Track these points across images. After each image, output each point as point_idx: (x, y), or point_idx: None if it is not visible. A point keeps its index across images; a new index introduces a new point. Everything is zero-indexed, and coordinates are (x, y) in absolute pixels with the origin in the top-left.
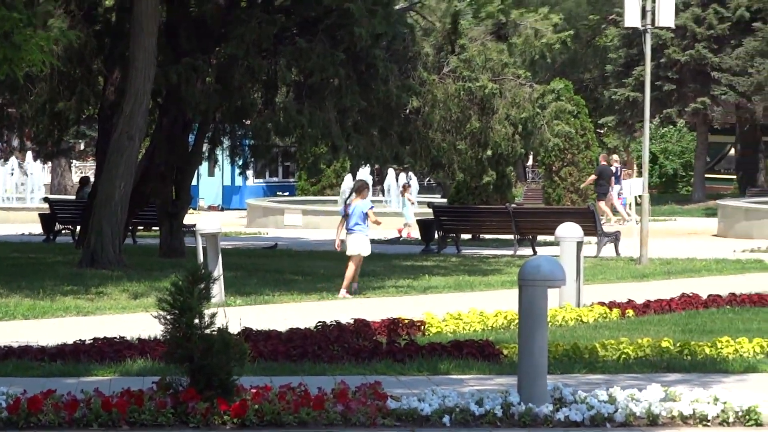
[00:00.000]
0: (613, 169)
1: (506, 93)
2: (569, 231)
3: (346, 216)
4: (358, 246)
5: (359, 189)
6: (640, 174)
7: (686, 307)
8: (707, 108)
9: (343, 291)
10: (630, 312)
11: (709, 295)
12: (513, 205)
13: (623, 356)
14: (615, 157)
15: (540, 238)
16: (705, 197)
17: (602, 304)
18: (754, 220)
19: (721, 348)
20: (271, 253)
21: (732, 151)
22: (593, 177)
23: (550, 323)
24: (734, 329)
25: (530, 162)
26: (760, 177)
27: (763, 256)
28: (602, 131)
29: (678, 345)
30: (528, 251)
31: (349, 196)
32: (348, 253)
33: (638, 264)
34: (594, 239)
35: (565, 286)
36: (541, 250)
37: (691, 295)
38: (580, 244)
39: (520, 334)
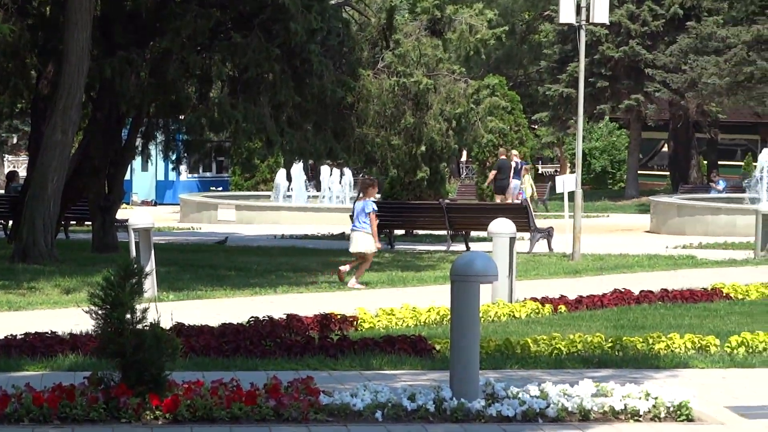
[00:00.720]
0: (513, 163)
1: (441, 88)
2: (502, 227)
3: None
4: (360, 245)
5: (364, 188)
6: (573, 170)
7: (618, 303)
8: (641, 105)
9: (353, 280)
10: (562, 308)
11: (642, 291)
12: (446, 201)
13: (555, 352)
14: (514, 152)
15: (473, 233)
16: (638, 193)
17: (535, 299)
18: (687, 216)
19: (653, 343)
20: (204, 248)
21: (665, 148)
22: (494, 172)
23: (483, 319)
24: (666, 325)
25: (464, 158)
26: (693, 174)
27: (695, 252)
28: (536, 127)
29: (610, 340)
30: (461, 247)
31: (358, 195)
32: (351, 250)
33: (571, 260)
34: (527, 235)
35: (497, 282)
36: (475, 246)
37: (623, 291)
38: (513, 240)
39: (452, 330)
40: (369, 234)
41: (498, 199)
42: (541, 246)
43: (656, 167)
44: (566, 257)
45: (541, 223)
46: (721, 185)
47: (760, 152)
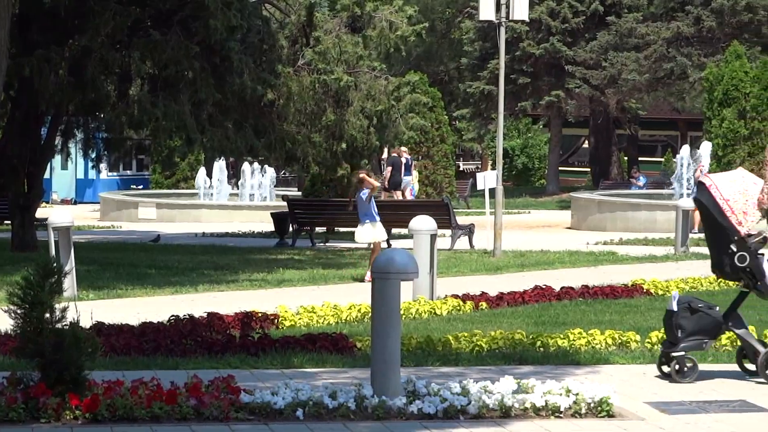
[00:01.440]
0: (403, 160)
1: (361, 85)
2: (423, 224)
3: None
4: (367, 235)
5: (359, 182)
6: (494, 167)
7: (539, 300)
8: (561, 101)
9: (368, 275)
10: (484, 304)
11: (562, 288)
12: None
13: (477, 348)
14: (404, 149)
15: (394, 230)
16: (559, 190)
17: (456, 296)
18: (607, 212)
19: (574, 340)
20: (124, 247)
21: (585, 144)
22: (389, 169)
23: (404, 316)
24: (587, 321)
25: (385, 155)
26: (613, 170)
27: (615, 248)
28: (457, 123)
29: (531, 337)
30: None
31: (354, 191)
32: (365, 241)
33: (492, 256)
34: (448, 232)
35: (418, 279)
36: (396, 243)
37: (544, 287)
38: (434, 237)
39: (373, 327)
40: (371, 223)
41: (395, 195)
42: (462, 243)
43: (577, 163)
44: (487, 254)
45: (462, 219)
46: (642, 181)
47: (680, 148)
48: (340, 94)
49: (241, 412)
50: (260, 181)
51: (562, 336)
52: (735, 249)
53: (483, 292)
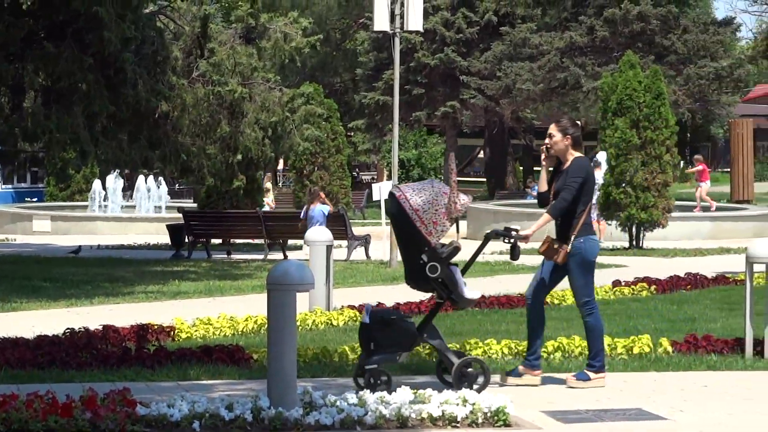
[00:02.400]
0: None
1: (256, 97)
2: (319, 235)
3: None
4: None
5: (314, 197)
6: (390, 177)
7: (447, 310)
8: (456, 111)
9: None
10: None
11: None
12: (264, 210)
13: None
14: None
15: (291, 242)
16: None
17: (352, 307)
18: (503, 222)
19: (470, 349)
20: (18, 260)
21: (481, 154)
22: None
23: (300, 327)
24: (483, 331)
25: (281, 166)
26: (509, 180)
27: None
28: (353, 134)
29: (428, 347)
30: (279, 255)
31: (308, 204)
32: None
33: (388, 267)
34: (344, 243)
35: (314, 290)
36: (292, 255)
37: None
38: (329, 248)
39: (269, 339)
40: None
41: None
42: (358, 253)
43: (472, 174)
44: (384, 264)
45: (358, 230)
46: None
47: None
48: (235, 105)
49: (137, 424)
50: (158, 194)
51: (458, 346)
52: (426, 259)
53: (379, 302)
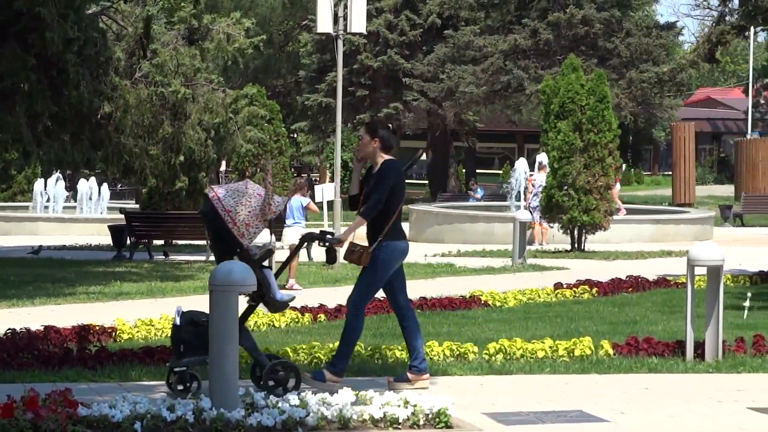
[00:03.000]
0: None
1: (199, 98)
2: (261, 236)
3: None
4: (296, 237)
5: (298, 188)
6: (332, 179)
7: (377, 312)
8: (399, 113)
9: (291, 281)
10: (322, 317)
11: None
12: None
13: (315, 361)
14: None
15: None
16: None
17: (294, 309)
18: (445, 224)
19: None
20: None
21: (424, 157)
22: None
23: None
24: (425, 333)
25: (223, 167)
26: (451, 182)
27: (453, 260)
28: (296, 136)
29: (369, 349)
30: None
31: (291, 195)
32: (287, 243)
33: (330, 269)
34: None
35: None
36: None
37: (382, 299)
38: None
39: (211, 340)
40: (304, 228)
41: None
42: (300, 255)
43: (415, 176)
44: (325, 266)
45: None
46: (480, 193)
47: (517, 160)
48: (178, 106)
49: (78, 425)
50: (100, 195)
51: (400, 348)
52: (238, 261)
53: (321, 304)
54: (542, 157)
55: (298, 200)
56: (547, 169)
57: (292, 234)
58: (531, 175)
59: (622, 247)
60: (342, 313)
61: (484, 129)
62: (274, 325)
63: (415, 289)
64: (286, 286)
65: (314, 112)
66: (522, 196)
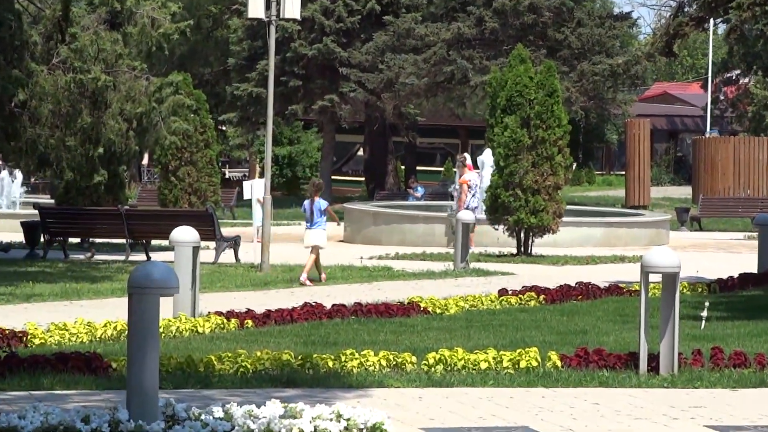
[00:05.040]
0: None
1: (120, 86)
2: (185, 235)
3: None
4: (314, 238)
5: (317, 189)
6: (262, 175)
7: (309, 318)
8: (335, 105)
9: (303, 275)
10: (249, 322)
11: (334, 305)
12: (126, 207)
13: (241, 370)
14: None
15: (155, 242)
16: (331, 200)
17: (220, 314)
18: (383, 225)
19: (346, 361)
20: None
21: (360, 152)
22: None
23: (164, 335)
24: (360, 341)
25: (146, 161)
26: (390, 179)
27: (391, 263)
28: (224, 128)
29: (300, 358)
30: (142, 257)
31: (310, 196)
32: (305, 244)
33: (259, 271)
34: (212, 244)
35: (179, 295)
36: (156, 256)
37: (314, 304)
38: (196, 249)
39: (129, 347)
40: (324, 230)
41: None
42: (227, 256)
43: (351, 172)
44: (254, 268)
45: (227, 231)
46: (420, 192)
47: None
48: (98, 94)
49: None
50: (13, 188)
51: (333, 357)
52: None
53: (249, 309)
54: (486, 155)
55: (318, 202)
56: (488, 168)
57: (314, 236)
58: (461, 176)
59: (571, 251)
60: (271, 319)
61: (426, 123)
62: (197, 331)
63: (350, 293)
64: (300, 280)
65: (244, 102)
66: (456, 197)
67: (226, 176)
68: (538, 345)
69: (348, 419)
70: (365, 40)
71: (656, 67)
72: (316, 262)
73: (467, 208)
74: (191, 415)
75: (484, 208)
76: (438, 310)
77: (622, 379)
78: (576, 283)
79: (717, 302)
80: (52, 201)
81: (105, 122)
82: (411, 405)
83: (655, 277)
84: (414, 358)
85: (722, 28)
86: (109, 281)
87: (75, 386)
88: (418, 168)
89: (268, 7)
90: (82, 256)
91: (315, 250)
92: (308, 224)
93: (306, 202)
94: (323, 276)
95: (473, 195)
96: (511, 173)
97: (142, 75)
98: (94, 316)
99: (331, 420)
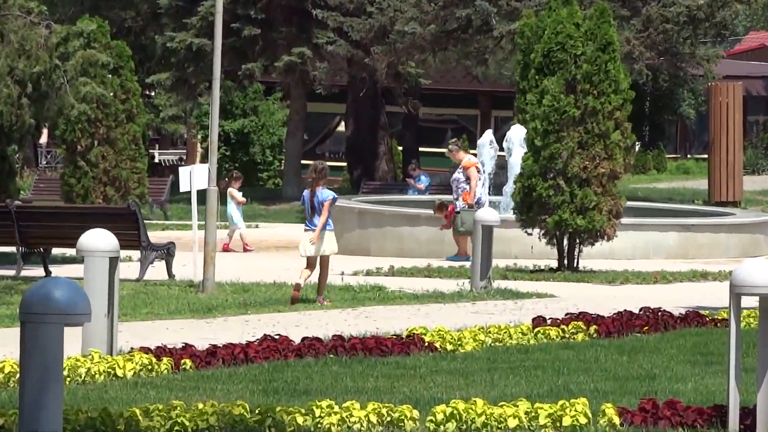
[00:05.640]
0: None
1: (10, 35)
2: (98, 241)
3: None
4: (323, 245)
5: (322, 175)
6: (205, 159)
7: (271, 356)
8: (307, 62)
9: (320, 297)
10: (188, 362)
11: (305, 339)
12: (17, 203)
13: (177, 428)
14: None
15: (56, 251)
16: (301, 193)
17: (147, 350)
18: (372, 227)
19: (322, 417)
20: None
21: (342, 127)
22: None
23: (69, 379)
24: (341, 389)
25: (44, 139)
26: (382, 165)
27: (384, 280)
28: (153, 94)
29: (258, 412)
30: (39, 271)
31: (312, 185)
32: (306, 254)
33: (201, 291)
34: (137, 254)
35: (90, 324)
36: (58, 270)
37: (278, 337)
38: (114, 261)
39: (22, 395)
40: (332, 230)
41: None
42: (157, 271)
43: (329, 155)
44: (194, 287)
45: (157, 236)
46: (423, 182)
47: (481, 135)
48: None
49: None
50: None
51: (303, 411)
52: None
53: (187, 344)
54: (516, 131)
55: (321, 193)
56: (522, 150)
57: (326, 242)
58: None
59: (633, 264)
60: (218, 358)
61: (432, 88)
62: (116, 375)
63: (328, 322)
64: (318, 302)
65: (180, 58)
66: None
67: (156, 160)
68: (588, 395)
69: None
70: None
71: (751, 10)
72: (321, 278)
73: (478, 203)
74: None
75: (510, 204)
76: (449, 347)
77: None
78: (640, 310)
79: None
80: None
81: None
82: None
83: (749, 301)
84: (416, 413)
85: None
86: None
87: None
88: (421, 150)
89: None
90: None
91: (324, 261)
92: (308, 224)
93: (305, 193)
94: (322, 299)
95: (483, 184)
96: (550, 157)
97: (41, 21)
98: None
99: None
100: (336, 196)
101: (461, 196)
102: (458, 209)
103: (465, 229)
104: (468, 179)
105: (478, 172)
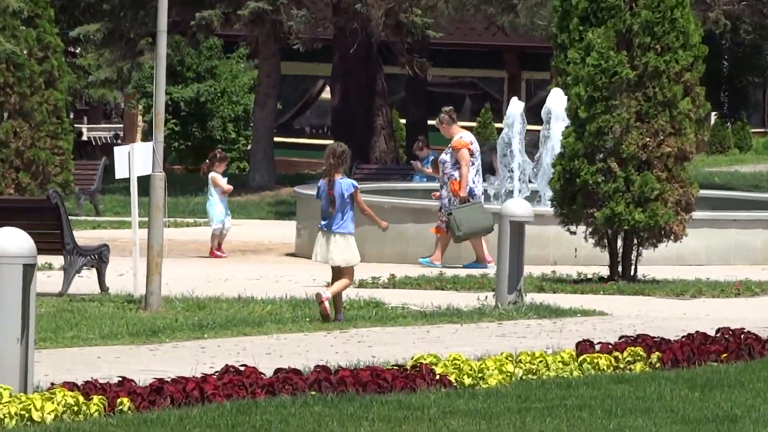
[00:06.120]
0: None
1: None
2: (9, 244)
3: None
4: (341, 253)
5: (343, 160)
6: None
7: (234, 393)
8: (280, 10)
9: (340, 315)
10: (126, 402)
11: (279, 370)
12: None
13: None
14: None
15: None
16: (274, 180)
17: (73, 386)
18: (367, 225)
19: None
20: None
21: (326, 93)
22: None
23: None
24: None
25: None
26: (379, 143)
27: (383, 293)
28: (80, 52)
29: None
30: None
31: (328, 173)
32: (325, 261)
33: (144, 309)
34: (60, 260)
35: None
36: None
37: (244, 369)
38: (30, 269)
39: None
40: (352, 236)
41: None
42: (86, 281)
43: (310, 130)
44: (134, 303)
45: (85, 236)
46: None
47: (509, 102)
48: None
49: None
50: None
51: None
52: None
53: (124, 378)
54: (554, 102)
55: (341, 183)
56: (563, 123)
57: (338, 247)
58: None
59: (708, 272)
60: (164, 396)
61: (444, 42)
62: (31, 419)
63: (309, 349)
64: (337, 318)
65: (115, 5)
66: (475, 174)
67: (84, 138)
68: None
69: None
70: None
71: None
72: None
73: (471, 195)
74: None
75: (547, 193)
76: (467, 381)
77: None
78: (717, 332)
79: None
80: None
81: None
82: None
83: None
84: None
85: None
86: None
87: None
88: (431, 123)
89: None
90: None
91: (349, 272)
92: (324, 224)
93: (321, 184)
94: (341, 315)
95: (477, 171)
96: (597, 132)
97: None
98: None
99: None
100: (357, 185)
101: (448, 184)
102: (449, 208)
103: (464, 233)
104: (457, 163)
105: (471, 155)
